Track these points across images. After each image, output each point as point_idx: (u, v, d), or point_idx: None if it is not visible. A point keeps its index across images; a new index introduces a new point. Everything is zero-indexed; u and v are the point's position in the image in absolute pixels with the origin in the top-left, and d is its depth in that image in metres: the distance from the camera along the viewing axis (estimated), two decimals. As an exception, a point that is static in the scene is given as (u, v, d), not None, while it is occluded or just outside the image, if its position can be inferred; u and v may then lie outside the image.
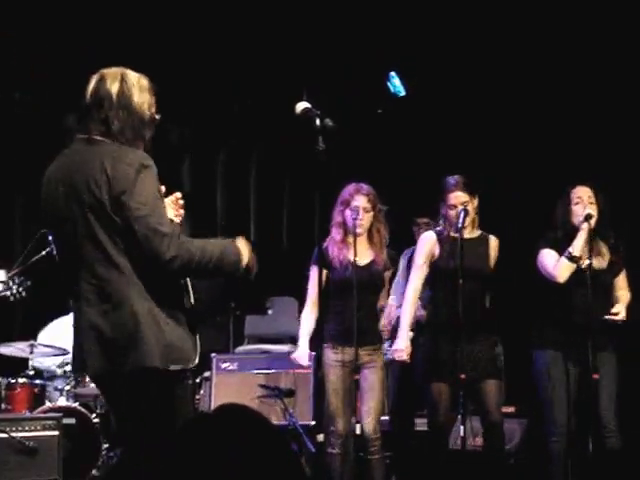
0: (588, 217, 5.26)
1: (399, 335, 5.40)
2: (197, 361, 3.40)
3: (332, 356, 5.38)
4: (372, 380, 5.41)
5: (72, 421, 6.31)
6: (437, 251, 5.44)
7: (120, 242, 3.31)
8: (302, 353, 5.45)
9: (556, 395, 5.31)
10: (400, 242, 6.44)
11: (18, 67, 7.54)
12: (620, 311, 5.29)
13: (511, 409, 6.71)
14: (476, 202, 5.42)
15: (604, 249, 5.43)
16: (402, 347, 5.35)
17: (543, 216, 5.69)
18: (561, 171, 6.96)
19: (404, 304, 5.46)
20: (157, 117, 3.47)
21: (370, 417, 5.36)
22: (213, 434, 2.63)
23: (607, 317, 5.27)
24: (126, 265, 3.31)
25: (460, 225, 5.25)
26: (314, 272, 5.40)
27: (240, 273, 3.38)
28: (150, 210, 3.27)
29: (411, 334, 5.45)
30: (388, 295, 5.73)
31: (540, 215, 5.80)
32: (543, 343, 5.39)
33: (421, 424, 6.65)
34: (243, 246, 3.42)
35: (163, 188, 3.42)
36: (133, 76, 3.47)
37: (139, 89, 3.45)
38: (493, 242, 5.50)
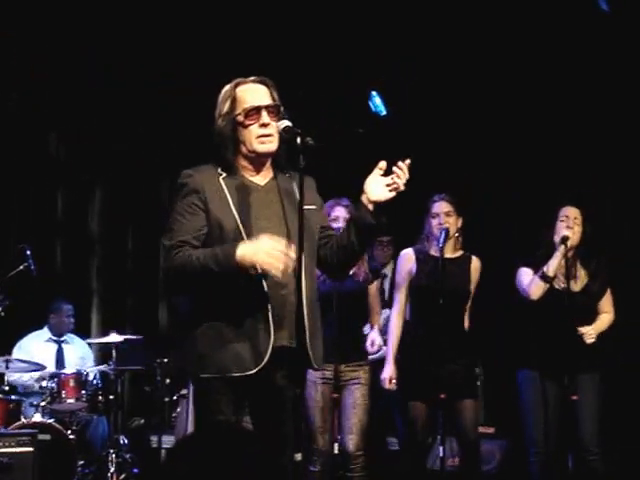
0: (564, 239, 5.24)
1: (386, 362, 5.37)
2: (253, 369, 3.45)
3: (314, 372, 5.33)
4: (356, 396, 5.35)
5: (47, 437, 6.25)
6: (414, 269, 5.41)
7: None
8: None
9: (534, 415, 5.30)
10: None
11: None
12: (586, 332, 5.27)
13: (490, 430, 6.72)
14: (460, 223, 5.42)
15: (582, 272, 5.40)
16: (387, 377, 5.32)
17: (527, 236, 5.69)
18: (546, 192, 6.98)
19: (390, 328, 5.43)
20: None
21: (353, 434, 5.31)
22: (203, 454, 2.61)
23: (583, 332, 5.26)
24: None
25: (441, 244, 5.23)
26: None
27: (234, 270, 3.40)
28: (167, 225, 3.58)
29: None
30: (378, 311, 5.66)
31: (524, 235, 5.81)
32: (523, 363, 5.39)
33: (393, 443, 6.65)
34: (249, 249, 3.40)
35: None
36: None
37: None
38: (475, 263, 5.46)
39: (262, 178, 3.62)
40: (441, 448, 5.11)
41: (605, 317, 5.43)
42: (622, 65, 6.99)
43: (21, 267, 6.70)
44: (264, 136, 3.53)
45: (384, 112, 7.74)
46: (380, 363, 5.53)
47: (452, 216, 5.36)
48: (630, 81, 7.00)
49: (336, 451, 5.23)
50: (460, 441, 5.34)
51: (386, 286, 6.97)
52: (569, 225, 5.30)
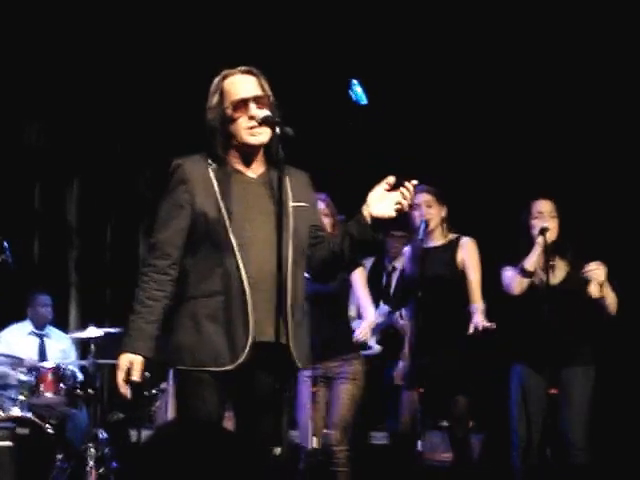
0: (543, 231, 5.18)
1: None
2: (231, 365, 3.44)
3: (305, 371, 5.31)
4: (339, 390, 5.35)
5: (26, 431, 6.22)
6: (405, 262, 5.50)
7: None
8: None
9: (519, 410, 5.29)
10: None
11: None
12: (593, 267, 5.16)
13: (469, 424, 6.72)
14: (444, 212, 5.41)
15: (562, 263, 5.36)
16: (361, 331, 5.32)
17: (507, 230, 5.68)
18: (526, 183, 6.98)
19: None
20: None
21: (334, 428, 5.32)
22: (177, 448, 2.58)
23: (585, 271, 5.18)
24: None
25: (421, 236, 5.24)
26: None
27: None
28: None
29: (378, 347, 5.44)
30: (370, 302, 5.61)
31: (504, 229, 5.79)
32: (511, 357, 5.38)
33: (377, 438, 6.64)
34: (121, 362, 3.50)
35: None
36: None
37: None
38: (463, 244, 5.41)
39: (253, 171, 3.58)
40: (419, 442, 5.09)
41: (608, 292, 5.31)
42: (601, 62, 7.03)
43: (-2, 259, 6.66)
44: (253, 127, 3.49)
45: (364, 101, 7.71)
46: (374, 358, 5.55)
47: (433, 206, 5.36)
48: (606, 76, 7.05)
49: (315, 445, 5.23)
50: (450, 436, 5.38)
51: (393, 281, 6.85)
52: (545, 220, 5.27)
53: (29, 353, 7.07)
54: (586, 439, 5.19)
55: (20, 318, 7.41)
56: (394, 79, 7.64)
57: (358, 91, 7.64)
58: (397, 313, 5.84)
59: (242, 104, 3.49)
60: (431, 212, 5.37)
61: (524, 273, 5.23)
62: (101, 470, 6.46)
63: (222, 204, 3.47)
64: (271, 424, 3.36)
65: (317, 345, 5.09)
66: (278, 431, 3.34)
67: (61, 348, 7.37)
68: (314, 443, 5.25)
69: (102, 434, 6.70)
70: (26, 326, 7.38)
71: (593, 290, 5.20)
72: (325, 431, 5.38)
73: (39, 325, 7.37)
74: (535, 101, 7.35)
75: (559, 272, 5.32)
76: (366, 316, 5.45)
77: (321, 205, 5.38)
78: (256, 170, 3.58)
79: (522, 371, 5.30)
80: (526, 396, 5.26)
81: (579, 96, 7.18)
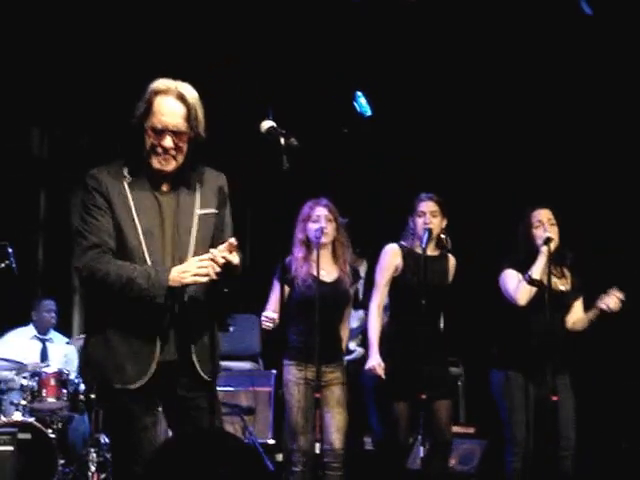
0: (548, 240, 5.27)
1: (370, 353, 5.39)
2: (135, 384, 3.41)
3: (297, 373, 5.36)
4: (339, 395, 5.41)
5: (28, 436, 6.22)
6: (400, 265, 5.45)
7: None
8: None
9: (515, 416, 5.32)
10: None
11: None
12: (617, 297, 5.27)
13: (471, 430, 6.74)
14: (444, 224, 5.45)
15: (565, 271, 5.46)
16: (375, 364, 5.33)
17: (503, 236, 5.72)
18: (519, 190, 7.03)
19: (369, 320, 5.45)
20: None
21: (338, 432, 5.37)
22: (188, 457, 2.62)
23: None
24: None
25: (424, 245, 5.26)
26: (276, 288, 5.45)
27: (150, 298, 3.36)
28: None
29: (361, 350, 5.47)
30: (350, 312, 5.71)
31: (500, 235, 5.83)
32: (503, 363, 5.40)
33: (369, 443, 6.66)
34: (177, 275, 3.38)
35: None
36: None
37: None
38: (452, 261, 5.56)
39: (164, 187, 3.52)
40: (421, 448, 5.13)
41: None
42: (596, 66, 7.07)
43: (2, 265, 6.68)
44: (160, 156, 3.44)
45: (369, 113, 7.75)
46: (356, 363, 5.57)
47: (437, 217, 5.41)
48: (603, 80, 7.09)
49: (317, 451, 5.25)
50: (434, 440, 5.37)
51: (360, 287, 6.95)
52: (546, 229, 5.33)
53: (31, 357, 7.09)
54: (575, 442, 5.30)
55: (24, 323, 7.44)
56: (395, 88, 7.68)
57: (362, 102, 7.69)
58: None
59: (161, 131, 3.42)
60: (434, 221, 5.40)
61: (532, 282, 5.27)
62: (103, 475, 6.47)
63: (137, 221, 3.43)
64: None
65: (318, 349, 5.18)
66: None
67: (64, 353, 7.38)
68: (317, 449, 5.26)
69: (104, 439, 6.72)
70: (29, 331, 7.40)
71: (591, 315, 5.32)
72: (319, 436, 5.40)
73: (43, 330, 7.40)
74: (529, 110, 7.41)
75: (565, 280, 5.43)
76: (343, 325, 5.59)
77: (324, 210, 5.43)
78: (166, 186, 3.52)
79: (516, 377, 5.33)
80: (521, 402, 5.30)
81: (573, 108, 7.22)
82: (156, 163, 3.45)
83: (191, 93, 3.46)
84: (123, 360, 3.42)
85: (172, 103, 3.43)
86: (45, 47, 7.56)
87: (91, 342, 3.53)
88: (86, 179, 3.51)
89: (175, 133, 3.41)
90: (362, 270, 6.99)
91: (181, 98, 3.43)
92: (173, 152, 3.43)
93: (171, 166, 3.44)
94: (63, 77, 7.81)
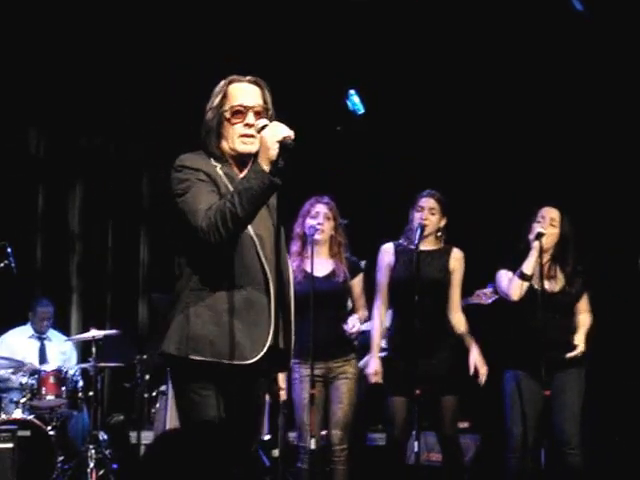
0: (539, 235, 5.29)
1: (370, 357, 5.41)
2: (250, 359, 3.41)
3: (303, 371, 5.34)
4: (342, 391, 5.39)
5: (27, 433, 6.27)
6: (392, 262, 5.45)
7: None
8: None
9: (514, 412, 5.36)
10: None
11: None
12: (579, 344, 5.35)
13: (465, 424, 6.76)
14: (443, 223, 5.46)
15: (559, 273, 5.45)
16: (371, 372, 5.35)
17: (503, 236, 5.75)
18: (519, 190, 7.05)
19: (372, 321, 5.46)
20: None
21: (338, 428, 5.36)
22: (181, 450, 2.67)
23: (568, 356, 5.31)
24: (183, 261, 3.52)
25: (416, 240, 5.27)
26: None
27: (263, 191, 3.34)
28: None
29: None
30: (363, 304, 5.65)
31: (500, 235, 5.85)
32: (506, 362, 5.45)
33: (373, 439, 6.70)
34: (273, 131, 3.36)
35: None
36: None
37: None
38: (456, 254, 5.46)
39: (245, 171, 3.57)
40: (416, 443, 5.15)
41: (585, 319, 5.47)
42: (600, 67, 7.07)
43: (2, 265, 6.71)
44: (246, 136, 3.52)
45: (362, 110, 7.76)
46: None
47: (435, 214, 5.38)
48: (608, 81, 7.10)
49: (313, 447, 5.27)
50: (440, 437, 5.39)
51: None
52: (543, 226, 5.36)
53: (30, 356, 7.14)
54: (579, 439, 5.29)
55: (22, 322, 7.48)
56: (395, 85, 7.69)
57: (355, 101, 7.71)
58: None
59: (241, 111, 3.54)
60: (431, 219, 5.38)
61: (523, 277, 5.31)
62: (101, 472, 6.53)
63: None
64: (260, 422, 3.46)
65: (320, 345, 5.20)
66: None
67: (62, 351, 7.43)
68: (312, 444, 5.27)
69: (102, 436, 6.77)
70: (27, 330, 7.43)
71: (578, 340, 5.37)
72: (323, 433, 5.43)
73: (40, 329, 7.43)
74: (529, 110, 7.41)
75: (559, 281, 5.43)
76: (357, 314, 5.53)
77: (323, 208, 5.45)
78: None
79: (517, 374, 5.37)
80: (522, 398, 5.34)
81: (574, 106, 7.24)
82: (241, 145, 3.53)
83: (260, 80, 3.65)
84: (239, 336, 3.42)
85: (247, 85, 3.60)
86: (42, 47, 7.58)
87: (194, 318, 3.42)
88: (183, 162, 3.50)
89: (255, 109, 3.54)
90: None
91: (254, 82, 3.61)
92: (255, 131, 3.49)
93: (255, 146, 3.48)
94: (60, 77, 7.84)
